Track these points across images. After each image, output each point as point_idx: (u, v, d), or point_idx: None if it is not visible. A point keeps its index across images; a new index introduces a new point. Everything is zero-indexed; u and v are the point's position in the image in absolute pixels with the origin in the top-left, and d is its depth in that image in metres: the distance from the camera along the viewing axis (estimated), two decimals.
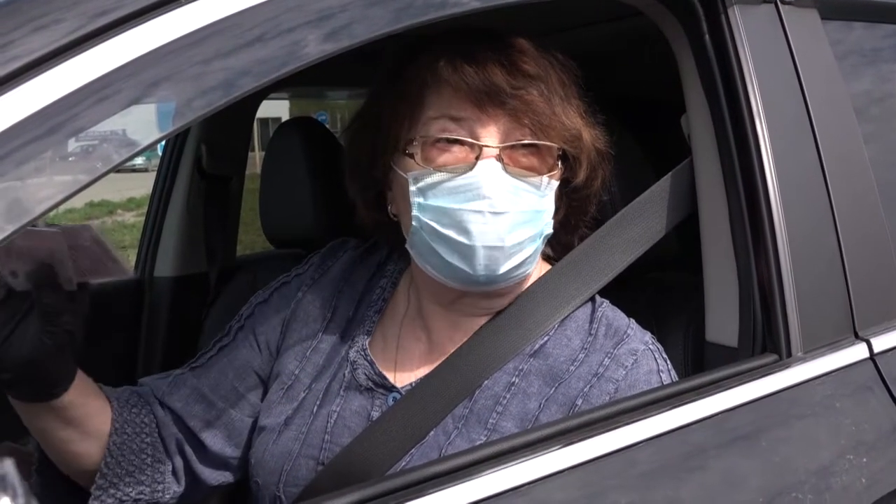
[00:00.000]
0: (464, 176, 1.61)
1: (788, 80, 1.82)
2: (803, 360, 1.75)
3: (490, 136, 1.63)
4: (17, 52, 1.09)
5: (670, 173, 1.88)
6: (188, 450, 1.82)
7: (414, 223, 1.66)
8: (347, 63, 1.30)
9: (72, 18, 1.14)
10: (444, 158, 1.64)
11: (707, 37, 1.77)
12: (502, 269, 1.64)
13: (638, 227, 1.84)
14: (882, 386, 1.82)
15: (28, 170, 1.06)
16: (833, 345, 1.81)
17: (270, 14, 1.24)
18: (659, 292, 2.14)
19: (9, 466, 0.84)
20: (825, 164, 1.83)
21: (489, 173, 1.60)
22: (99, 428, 1.73)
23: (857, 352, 1.83)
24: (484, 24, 1.62)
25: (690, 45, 1.80)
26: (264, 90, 1.47)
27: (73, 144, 1.09)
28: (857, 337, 1.84)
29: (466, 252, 1.62)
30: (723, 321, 1.83)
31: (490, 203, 1.59)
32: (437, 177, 1.63)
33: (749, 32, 1.76)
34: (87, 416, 1.71)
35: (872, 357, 1.84)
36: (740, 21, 1.76)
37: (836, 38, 1.95)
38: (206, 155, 3.27)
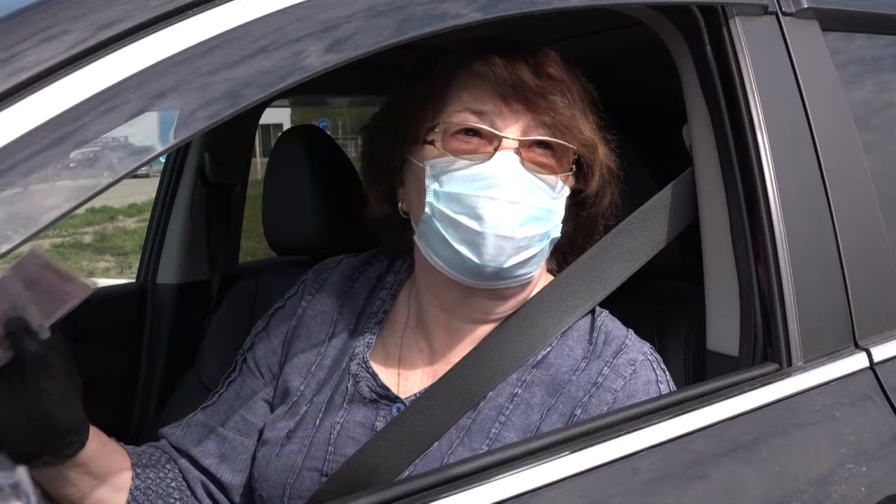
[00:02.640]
0: (481, 164, 1.63)
1: (789, 91, 1.83)
2: (803, 369, 1.76)
3: (510, 130, 1.66)
4: (26, 64, 1.10)
5: (672, 183, 1.89)
6: (214, 490, 1.83)
7: (426, 210, 1.67)
8: (349, 71, 1.31)
9: (78, 30, 1.14)
10: (463, 147, 1.66)
11: (708, 47, 1.78)
12: (509, 263, 1.64)
13: (640, 237, 1.84)
14: (882, 395, 1.83)
15: (36, 180, 1.07)
16: (833, 354, 1.81)
17: (277, 25, 1.25)
18: (660, 301, 2.14)
19: (22, 474, 0.84)
20: (825, 173, 1.84)
21: (506, 164, 1.63)
22: (126, 478, 1.73)
23: (857, 361, 1.84)
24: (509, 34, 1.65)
25: (692, 55, 1.81)
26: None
27: (79, 155, 1.10)
28: (857, 346, 1.85)
29: (476, 240, 1.63)
30: (724, 330, 1.84)
31: (505, 192, 1.61)
32: (454, 164, 1.65)
33: (750, 43, 1.77)
34: (112, 465, 1.70)
35: (872, 366, 1.84)
36: (741, 32, 1.77)
37: (836, 48, 1.96)
38: (210, 163, 3.27)
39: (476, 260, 1.64)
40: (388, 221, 1.84)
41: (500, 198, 1.61)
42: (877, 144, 2.04)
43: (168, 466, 1.81)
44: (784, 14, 1.86)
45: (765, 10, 1.82)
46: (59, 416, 1.52)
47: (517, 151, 1.64)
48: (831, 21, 1.96)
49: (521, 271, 1.69)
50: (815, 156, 1.84)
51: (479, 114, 1.67)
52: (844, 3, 2.03)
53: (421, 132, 1.71)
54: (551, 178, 1.67)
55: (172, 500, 1.77)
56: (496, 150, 1.64)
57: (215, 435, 1.84)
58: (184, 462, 1.83)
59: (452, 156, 1.65)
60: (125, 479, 1.73)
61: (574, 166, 1.72)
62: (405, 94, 1.79)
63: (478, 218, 1.62)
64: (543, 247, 1.70)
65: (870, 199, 1.94)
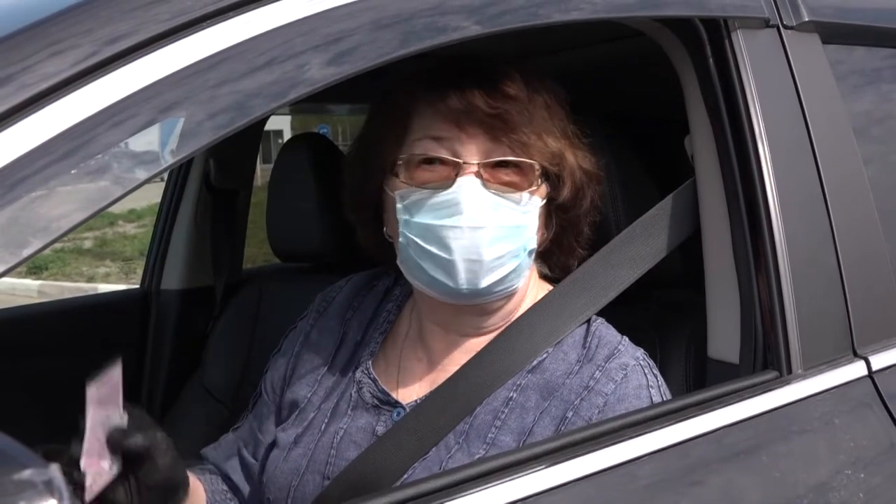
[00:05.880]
0: (444, 192, 1.66)
1: (790, 103, 1.84)
2: (803, 377, 1.77)
3: (470, 154, 1.68)
4: (37, 77, 1.12)
5: (674, 193, 1.90)
6: None
7: (401, 240, 1.71)
8: (353, 80, 1.33)
9: (88, 44, 1.16)
10: (427, 176, 1.69)
11: (711, 60, 1.79)
12: (483, 283, 1.68)
13: (642, 245, 1.86)
14: (880, 403, 1.83)
15: (50, 190, 1.09)
16: (832, 362, 1.82)
17: (283, 39, 1.26)
18: (662, 309, 2.15)
19: (55, 471, 0.86)
20: (825, 184, 1.85)
21: (467, 189, 1.65)
22: None
23: (856, 369, 1.84)
24: (473, 51, 1.66)
25: (694, 67, 1.82)
26: None
27: (90, 167, 1.11)
28: (856, 355, 1.86)
29: (448, 267, 1.66)
30: (725, 338, 1.85)
31: (468, 218, 1.64)
32: (419, 194, 1.68)
33: (752, 56, 1.78)
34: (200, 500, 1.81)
35: (871, 375, 1.85)
36: (743, 45, 1.78)
37: (836, 60, 1.97)
38: (215, 169, 3.29)
39: (452, 284, 1.67)
40: (376, 247, 1.86)
41: (464, 224, 1.64)
42: (876, 155, 2.05)
43: (224, 487, 1.91)
44: (785, 27, 1.87)
45: (766, 24, 1.83)
46: (172, 477, 1.57)
47: (478, 175, 1.66)
48: (831, 34, 1.96)
49: (500, 287, 1.72)
50: (815, 166, 1.85)
51: (439, 140, 1.69)
52: (845, 17, 2.04)
53: (388, 163, 1.74)
54: (516, 195, 1.69)
55: None
56: (457, 175, 1.66)
57: (239, 454, 1.92)
58: (227, 485, 1.92)
59: (417, 186, 1.69)
60: None
61: (542, 177, 1.74)
62: (372, 125, 1.84)
63: (446, 247, 1.65)
64: (520, 261, 1.72)
65: (869, 209, 1.95)
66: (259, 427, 1.92)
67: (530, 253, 1.74)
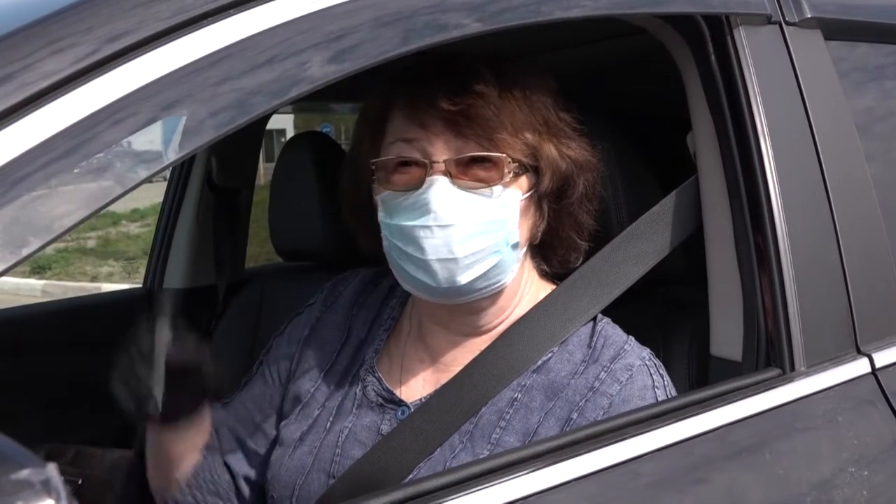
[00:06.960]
0: (414, 193, 1.67)
1: (792, 100, 1.84)
2: (806, 374, 1.77)
3: (438, 153, 1.68)
4: (38, 75, 1.12)
5: (676, 190, 1.90)
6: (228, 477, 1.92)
7: (385, 243, 1.73)
8: (355, 77, 1.33)
9: (89, 42, 1.16)
10: (402, 179, 1.70)
11: (713, 57, 1.79)
12: (463, 281, 1.67)
13: (646, 242, 1.86)
14: (883, 400, 1.83)
15: (51, 188, 1.08)
16: (835, 360, 1.82)
17: (284, 37, 1.26)
18: (665, 307, 2.15)
19: (52, 471, 0.86)
20: (828, 181, 1.84)
21: (435, 188, 1.65)
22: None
23: (859, 367, 1.84)
24: (448, 51, 1.66)
25: (696, 64, 1.82)
26: None
27: (91, 165, 1.11)
28: (859, 352, 1.86)
29: (424, 266, 1.67)
30: (727, 336, 1.85)
31: (435, 216, 1.65)
32: (396, 197, 1.70)
33: (754, 53, 1.78)
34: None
35: (874, 372, 1.85)
36: (745, 42, 1.78)
37: (838, 57, 1.97)
38: (217, 168, 3.28)
39: (431, 283, 1.68)
40: (377, 252, 1.85)
41: (433, 223, 1.65)
42: (879, 152, 2.04)
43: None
44: (787, 24, 1.86)
45: (768, 20, 1.83)
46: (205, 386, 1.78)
47: (446, 173, 1.67)
48: (834, 30, 1.96)
49: (483, 284, 1.71)
50: (817, 163, 1.85)
51: (409, 141, 1.70)
52: (847, 13, 2.04)
53: (369, 169, 1.75)
54: (488, 189, 1.68)
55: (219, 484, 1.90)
56: (427, 175, 1.67)
57: (228, 430, 1.91)
58: None
59: (394, 190, 1.70)
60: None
61: (520, 170, 1.72)
62: (357, 132, 1.86)
63: (419, 248, 1.66)
64: (502, 256, 1.71)
65: (872, 206, 1.95)
66: (257, 411, 1.92)
67: (514, 246, 1.73)
